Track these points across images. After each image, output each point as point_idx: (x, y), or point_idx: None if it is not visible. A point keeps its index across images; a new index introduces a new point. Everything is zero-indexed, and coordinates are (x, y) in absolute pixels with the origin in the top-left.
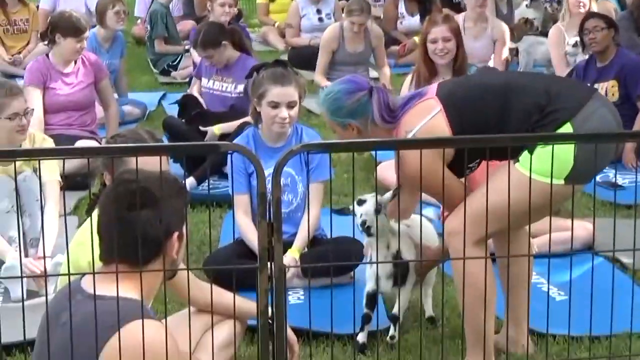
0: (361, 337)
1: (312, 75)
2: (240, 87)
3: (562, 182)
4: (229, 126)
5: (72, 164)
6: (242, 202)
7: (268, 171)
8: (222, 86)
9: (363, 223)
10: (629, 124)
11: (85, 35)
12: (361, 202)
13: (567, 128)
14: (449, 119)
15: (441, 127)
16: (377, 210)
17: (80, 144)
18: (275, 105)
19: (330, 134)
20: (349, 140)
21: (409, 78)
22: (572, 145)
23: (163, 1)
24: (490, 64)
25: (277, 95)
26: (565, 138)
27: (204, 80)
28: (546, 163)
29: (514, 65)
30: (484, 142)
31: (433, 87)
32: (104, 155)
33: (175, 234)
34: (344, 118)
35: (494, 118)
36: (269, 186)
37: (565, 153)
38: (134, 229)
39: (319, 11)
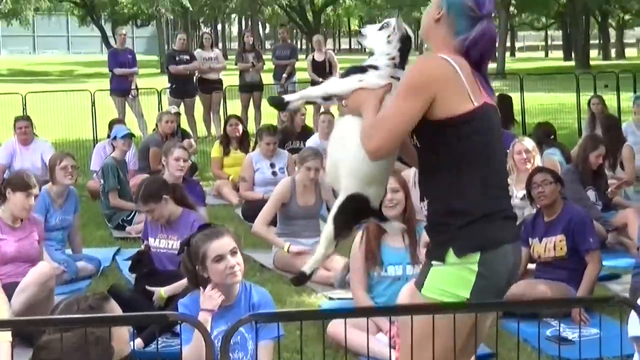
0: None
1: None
2: None
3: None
4: (176, 288)
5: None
6: None
7: (217, 330)
8: (169, 244)
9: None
10: (576, 279)
11: (33, 191)
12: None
13: (475, 256)
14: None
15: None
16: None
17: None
18: (219, 259)
19: (280, 289)
20: (297, 310)
21: (359, 235)
22: (475, 272)
23: (116, 155)
24: None
25: (218, 248)
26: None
27: (151, 240)
28: (447, 284)
29: None
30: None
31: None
32: (52, 327)
33: None
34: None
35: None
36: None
37: (466, 277)
38: None
39: (272, 165)
